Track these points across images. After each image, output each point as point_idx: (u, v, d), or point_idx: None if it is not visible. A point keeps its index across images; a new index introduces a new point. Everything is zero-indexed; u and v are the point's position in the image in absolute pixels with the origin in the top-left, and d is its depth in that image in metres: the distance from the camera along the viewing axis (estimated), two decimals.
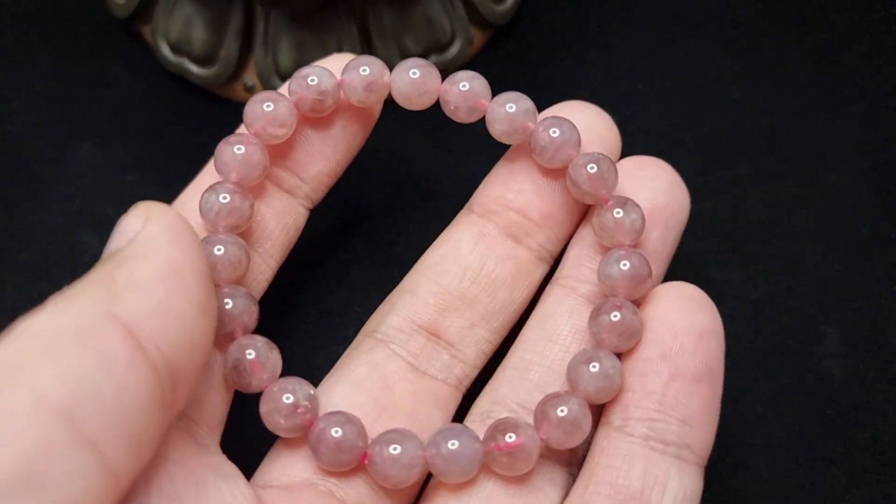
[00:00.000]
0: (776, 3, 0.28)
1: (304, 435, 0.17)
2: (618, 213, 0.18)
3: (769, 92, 0.26)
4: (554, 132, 0.18)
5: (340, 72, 0.19)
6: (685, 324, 0.17)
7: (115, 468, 0.13)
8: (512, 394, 0.18)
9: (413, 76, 0.19)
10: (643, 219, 0.18)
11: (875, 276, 0.23)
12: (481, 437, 0.17)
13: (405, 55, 0.24)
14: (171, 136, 0.25)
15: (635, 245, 0.18)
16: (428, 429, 0.18)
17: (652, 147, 0.25)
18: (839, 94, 0.26)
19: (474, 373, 0.19)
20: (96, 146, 0.25)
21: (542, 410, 0.17)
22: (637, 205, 0.18)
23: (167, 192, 0.24)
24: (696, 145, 0.25)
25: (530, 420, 0.17)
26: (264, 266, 0.19)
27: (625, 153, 0.25)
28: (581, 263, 0.19)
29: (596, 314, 0.18)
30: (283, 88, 0.19)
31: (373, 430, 0.17)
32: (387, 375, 0.18)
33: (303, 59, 0.24)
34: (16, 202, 0.24)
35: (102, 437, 0.12)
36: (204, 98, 0.26)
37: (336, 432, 0.16)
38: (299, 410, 0.17)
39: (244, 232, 0.18)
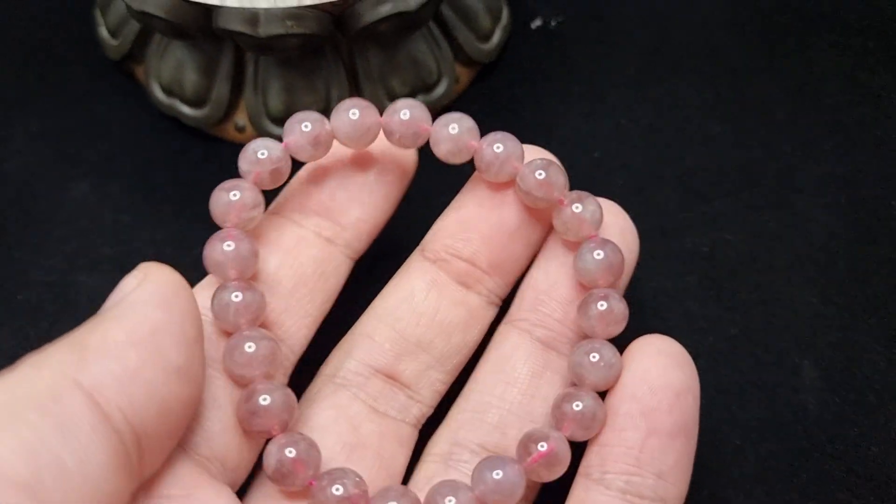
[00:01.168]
0: (755, 39, 0.28)
1: None
2: (576, 207, 0.19)
3: (748, 127, 0.27)
4: (498, 147, 0.19)
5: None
6: (663, 381, 0.17)
7: None
8: (472, 435, 0.19)
9: (353, 117, 0.19)
10: (601, 208, 0.19)
11: (850, 310, 0.24)
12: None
13: (392, 96, 0.25)
14: (166, 175, 0.26)
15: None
16: (393, 465, 0.19)
17: (633, 182, 0.26)
18: (817, 130, 0.27)
19: (430, 411, 0.20)
20: (92, 186, 0.26)
21: (559, 408, 0.18)
22: (593, 197, 0.19)
23: (162, 231, 0.25)
24: (676, 181, 0.26)
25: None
26: (303, 312, 0.19)
27: (606, 189, 0.26)
28: (536, 308, 0.20)
29: (584, 306, 0.19)
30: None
31: (347, 467, 0.18)
32: (351, 416, 0.19)
33: (292, 101, 0.24)
34: (12, 243, 0.25)
35: None
36: (197, 138, 0.26)
37: None
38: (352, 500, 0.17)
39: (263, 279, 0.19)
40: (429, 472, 0.19)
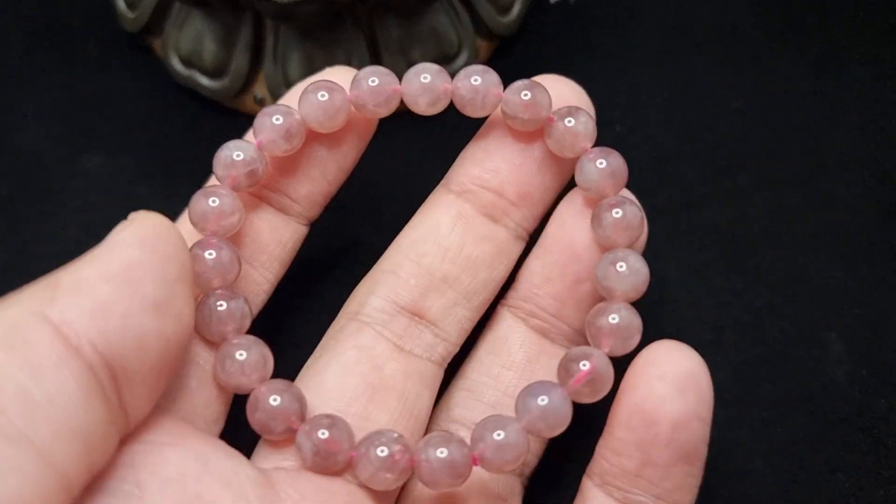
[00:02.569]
0: (777, 14, 0.28)
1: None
2: (569, 121, 0.19)
3: (770, 102, 0.27)
4: (525, 95, 0.19)
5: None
6: (660, 413, 0.16)
7: (62, 466, 0.13)
8: (468, 414, 0.19)
9: (424, 80, 0.19)
10: (593, 121, 0.19)
11: (876, 283, 0.24)
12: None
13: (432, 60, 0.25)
14: (182, 147, 0.26)
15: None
16: (417, 406, 0.19)
17: (654, 158, 0.26)
18: (839, 104, 0.26)
19: (456, 350, 0.20)
20: (107, 159, 0.25)
21: (594, 324, 0.17)
22: (583, 109, 0.19)
23: (177, 203, 0.25)
24: (697, 156, 0.26)
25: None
26: (262, 279, 0.19)
27: (628, 164, 0.26)
28: (529, 299, 0.20)
29: (597, 218, 0.18)
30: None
31: (366, 411, 0.18)
32: (375, 356, 0.19)
33: (312, 72, 0.24)
34: (27, 215, 0.24)
35: (37, 435, 0.13)
36: (214, 110, 0.26)
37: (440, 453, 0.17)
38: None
39: (237, 241, 0.19)
40: None
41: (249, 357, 0.17)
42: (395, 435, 0.17)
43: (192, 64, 0.25)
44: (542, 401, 0.16)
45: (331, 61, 0.24)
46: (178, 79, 0.25)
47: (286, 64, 0.24)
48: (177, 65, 0.25)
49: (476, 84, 0.19)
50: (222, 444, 0.16)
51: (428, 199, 0.20)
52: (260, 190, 0.19)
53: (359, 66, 0.24)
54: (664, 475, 0.17)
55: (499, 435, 0.16)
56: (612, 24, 0.28)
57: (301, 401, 0.17)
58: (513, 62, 0.27)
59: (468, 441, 0.17)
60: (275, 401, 0.17)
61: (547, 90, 0.19)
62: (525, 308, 0.20)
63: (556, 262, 0.19)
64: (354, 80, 0.19)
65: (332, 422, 0.17)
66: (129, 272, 0.14)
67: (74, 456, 0.13)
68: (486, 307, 0.20)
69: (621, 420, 0.17)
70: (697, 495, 0.21)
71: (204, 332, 0.17)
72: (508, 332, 0.20)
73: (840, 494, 0.21)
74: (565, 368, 0.17)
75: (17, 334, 0.13)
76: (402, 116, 0.26)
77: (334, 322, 0.20)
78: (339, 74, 0.19)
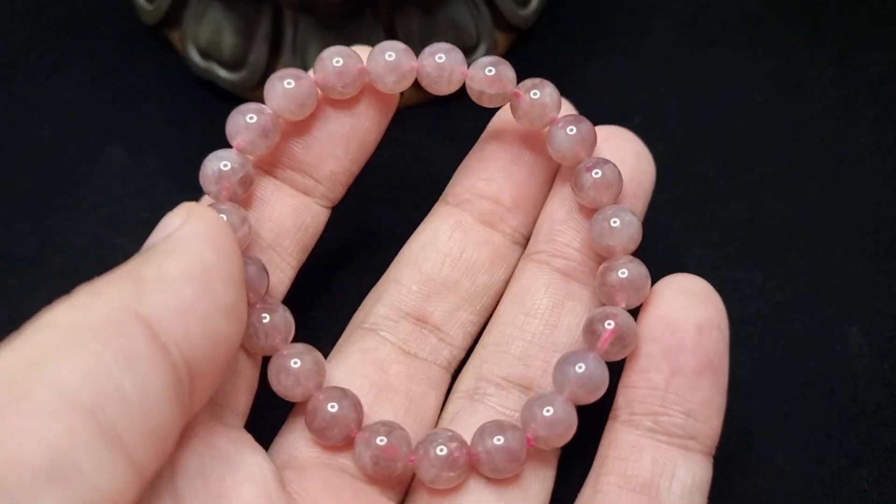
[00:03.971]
0: (796, 7, 0.28)
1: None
2: (534, 94, 0.19)
3: (789, 95, 0.26)
4: (490, 70, 0.19)
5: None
6: (684, 319, 0.17)
7: (139, 463, 0.13)
8: (496, 369, 0.19)
9: (389, 58, 0.18)
10: (557, 91, 0.19)
11: None
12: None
13: None
14: (201, 140, 0.26)
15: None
16: (423, 406, 0.19)
17: (673, 150, 0.26)
18: (859, 98, 0.26)
19: (461, 354, 0.20)
20: (127, 151, 0.25)
21: (605, 283, 0.18)
22: (547, 81, 0.19)
23: (196, 196, 0.25)
24: (717, 149, 0.26)
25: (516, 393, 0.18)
26: (285, 265, 0.19)
27: None
28: (553, 238, 0.19)
29: (577, 180, 0.19)
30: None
31: (371, 410, 0.18)
32: (380, 359, 0.19)
33: None
34: (49, 208, 0.25)
35: (126, 432, 0.13)
36: (233, 102, 0.26)
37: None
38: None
39: (260, 224, 0.19)
40: (455, 409, 0.19)
41: (303, 365, 0.17)
42: (449, 433, 0.17)
43: (211, 56, 0.25)
44: (580, 368, 0.17)
45: None
46: (196, 71, 0.25)
47: (305, 56, 0.24)
48: (195, 57, 0.25)
49: (441, 62, 0.19)
50: (249, 439, 0.17)
51: (428, 215, 0.21)
52: (283, 171, 0.19)
53: None
54: (693, 385, 0.17)
55: (548, 412, 0.17)
56: (631, 17, 0.28)
57: (358, 408, 0.17)
58: (531, 55, 0.27)
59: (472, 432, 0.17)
60: (332, 408, 0.17)
61: (510, 66, 0.19)
62: (548, 250, 0.19)
63: (576, 202, 0.19)
64: (318, 63, 0.18)
65: (390, 428, 0.17)
66: (206, 272, 0.14)
67: (153, 454, 0.13)
68: (490, 311, 0.20)
69: (649, 332, 0.17)
70: (717, 490, 0.21)
71: (253, 347, 0.17)
72: (531, 280, 0.19)
73: (861, 488, 0.21)
74: (590, 332, 0.17)
75: (112, 328, 0.13)
76: (422, 106, 0.26)
77: (343, 335, 0.20)
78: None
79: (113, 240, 0.24)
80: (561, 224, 0.19)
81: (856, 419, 0.22)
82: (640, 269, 0.18)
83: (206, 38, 0.25)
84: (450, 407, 0.19)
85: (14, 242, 0.24)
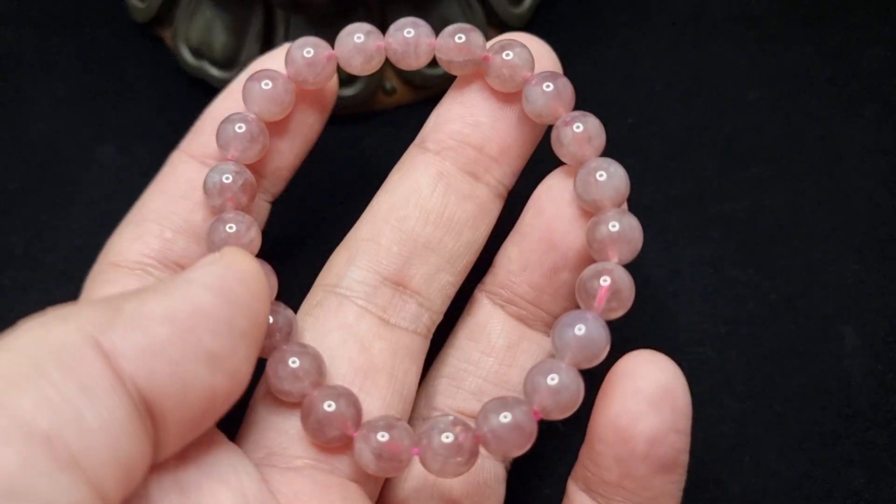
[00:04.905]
0: (794, 3, 0.28)
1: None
2: (507, 55, 0.18)
3: (787, 93, 0.26)
4: (459, 38, 0.18)
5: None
6: (634, 429, 0.16)
7: (103, 489, 0.13)
8: (449, 401, 0.19)
9: (357, 41, 0.18)
10: (529, 51, 0.18)
11: (892, 276, 0.23)
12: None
13: None
14: None
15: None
16: (406, 384, 0.18)
17: (670, 147, 0.26)
18: (857, 95, 0.26)
19: (440, 318, 0.19)
20: (119, 150, 0.25)
21: (597, 239, 0.17)
22: (518, 41, 0.19)
23: None
24: (714, 146, 0.25)
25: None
26: None
27: (642, 154, 0.26)
28: (509, 288, 0.19)
29: (556, 137, 0.18)
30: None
31: (359, 397, 0.17)
32: (362, 336, 0.18)
33: None
34: (40, 206, 0.25)
35: (87, 460, 0.12)
36: None
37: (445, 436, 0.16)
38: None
39: None
40: None
41: (303, 364, 0.17)
42: (451, 417, 0.16)
43: (203, 54, 0.25)
44: (580, 330, 0.16)
45: None
46: (187, 69, 0.25)
47: None
48: (187, 55, 0.25)
49: (408, 36, 0.18)
50: (222, 438, 0.16)
51: (402, 162, 0.19)
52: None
53: None
54: (644, 486, 0.16)
55: (552, 379, 0.16)
56: (626, 14, 0.28)
57: (356, 406, 0.17)
58: None
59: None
60: (329, 406, 0.17)
61: (481, 32, 0.19)
62: (503, 295, 0.19)
63: (534, 250, 0.19)
64: (289, 57, 0.18)
65: (389, 423, 0.17)
66: (193, 318, 0.14)
67: (117, 484, 0.13)
68: (468, 271, 0.19)
69: (599, 434, 0.16)
70: (711, 490, 0.21)
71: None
72: (487, 318, 0.19)
73: (855, 489, 0.21)
74: (585, 291, 0.17)
75: (71, 356, 0.13)
76: (415, 105, 0.26)
77: (309, 295, 0.19)
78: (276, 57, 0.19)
79: (105, 238, 0.24)
80: (515, 276, 0.19)
81: (850, 419, 0.22)
82: (632, 222, 0.17)
83: (197, 37, 0.25)
84: None
85: (6, 241, 0.24)
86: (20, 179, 0.25)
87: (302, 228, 0.24)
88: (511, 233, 0.19)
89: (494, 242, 0.20)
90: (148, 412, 0.14)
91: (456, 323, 0.20)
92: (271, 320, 0.17)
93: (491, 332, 0.19)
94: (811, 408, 0.22)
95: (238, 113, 0.18)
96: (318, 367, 0.17)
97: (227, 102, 0.19)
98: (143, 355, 0.13)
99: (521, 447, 0.16)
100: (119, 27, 0.27)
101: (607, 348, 0.16)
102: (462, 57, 0.18)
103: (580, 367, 0.16)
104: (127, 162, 0.25)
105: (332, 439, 0.17)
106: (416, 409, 0.19)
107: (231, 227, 0.17)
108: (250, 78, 0.18)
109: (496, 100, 0.19)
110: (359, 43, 0.18)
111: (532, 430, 0.16)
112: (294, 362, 0.17)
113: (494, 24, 0.26)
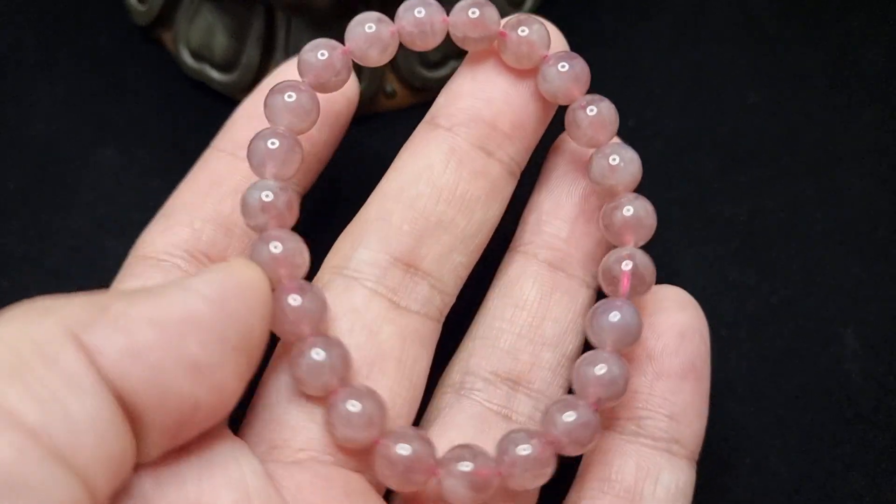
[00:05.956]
0: (793, 6, 0.28)
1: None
2: (522, 31, 0.18)
3: (786, 95, 0.26)
4: (473, 13, 0.18)
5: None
6: (666, 324, 0.17)
7: (95, 488, 0.13)
8: (484, 363, 0.18)
9: (369, 30, 0.18)
10: (545, 27, 0.18)
11: (892, 278, 0.23)
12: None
13: (424, 59, 0.25)
14: (193, 141, 0.25)
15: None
16: (415, 372, 0.18)
17: (669, 149, 0.26)
18: (856, 97, 0.26)
19: (452, 301, 0.19)
20: (119, 152, 0.25)
21: (613, 224, 0.18)
22: (534, 17, 0.18)
23: None
24: (713, 148, 0.25)
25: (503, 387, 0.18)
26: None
27: (642, 156, 0.26)
28: (540, 229, 0.19)
29: (571, 118, 0.18)
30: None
31: (366, 384, 0.17)
32: (370, 322, 0.17)
33: None
34: (39, 208, 0.24)
35: (77, 455, 0.12)
36: (225, 104, 0.26)
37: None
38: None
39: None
40: (441, 404, 0.18)
41: (329, 359, 0.16)
42: (521, 433, 0.16)
43: (203, 57, 0.25)
44: (615, 317, 0.17)
45: None
46: (188, 72, 0.25)
47: None
48: (187, 58, 0.25)
49: (420, 16, 0.18)
50: (225, 433, 0.16)
51: (412, 140, 0.19)
52: None
53: None
54: (676, 389, 0.17)
55: (601, 369, 0.16)
56: (627, 15, 0.28)
57: (429, 441, 0.16)
58: None
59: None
60: (404, 450, 0.16)
61: (495, 7, 0.18)
62: (535, 241, 0.19)
63: (567, 187, 0.19)
64: (303, 63, 0.18)
65: (472, 452, 0.16)
66: (182, 325, 0.14)
67: (106, 479, 0.13)
68: (481, 252, 0.19)
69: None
70: (711, 492, 0.21)
71: (279, 332, 0.17)
72: (519, 272, 0.19)
73: (855, 492, 0.21)
74: (609, 277, 0.17)
75: (50, 349, 0.13)
76: (416, 107, 0.26)
77: (315, 278, 0.18)
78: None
79: (104, 240, 0.24)
80: (547, 214, 0.19)
81: (850, 422, 0.22)
82: (646, 205, 0.18)
83: (198, 39, 0.25)
84: (435, 402, 0.19)
85: (5, 242, 0.24)
86: (20, 180, 0.25)
87: (302, 229, 0.24)
88: (536, 185, 0.20)
89: (510, 228, 0.20)
90: (129, 416, 0.14)
91: (488, 288, 0.20)
92: (299, 301, 0.16)
93: (523, 285, 0.19)
94: (812, 410, 0.22)
95: (270, 129, 0.18)
96: (344, 363, 0.16)
97: (259, 98, 0.19)
98: (123, 356, 0.13)
99: (592, 440, 0.16)
100: (119, 29, 0.27)
101: (641, 330, 0.17)
102: (478, 33, 0.18)
103: (621, 353, 0.17)
104: (127, 164, 0.25)
105: (418, 482, 0.16)
106: (450, 374, 0.19)
107: (276, 247, 0.16)
108: (271, 92, 0.18)
109: (509, 76, 0.19)
110: (371, 33, 0.18)
111: (598, 423, 0.16)
112: (318, 354, 0.16)
113: None
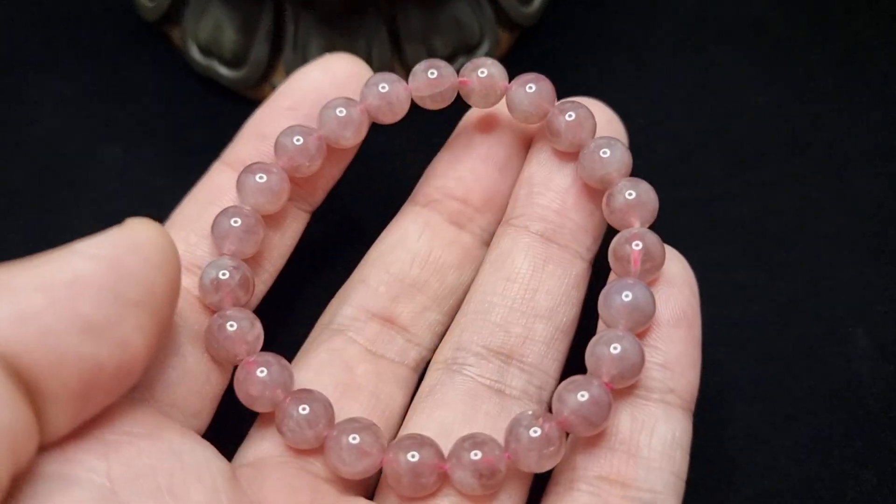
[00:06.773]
0: (800, 8, 0.28)
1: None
2: (530, 88, 0.19)
3: (793, 97, 0.26)
4: (432, 73, 0.19)
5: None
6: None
7: None
8: (476, 337, 0.18)
9: (382, 90, 0.19)
10: (549, 84, 0.19)
11: None
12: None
13: (434, 56, 0.25)
14: (200, 138, 0.25)
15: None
16: (390, 405, 0.18)
17: (677, 150, 0.26)
18: (863, 99, 0.26)
19: (429, 355, 0.19)
20: (125, 149, 0.25)
21: (616, 208, 0.18)
22: (536, 74, 0.19)
23: None
24: (721, 150, 0.25)
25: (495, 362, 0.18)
26: (261, 270, 0.19)
27: (650, 158, 0.26)
28: (532, 201, 0.19)
29: (553, 118, 0.19)
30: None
31: (337, 408, 0.17)
32: (347, 359, 0.19)
33: None
34: (46, 205, 0.24)
35: None
36: (233, 100, 0.26)
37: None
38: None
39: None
40: (433, 381, 0.18)
41: (270, 375, 0.17)
42: (529, 412, 0.16)
43: (211, 53, 0.25)
44: (627, 297, 0.17)
45: (351, 50, 0.24)
46: (196, 68, 0.25)
47: (306, 53, 0.24)
48: (195, 54, 0.25)
49: (384, 91, 0.19)
50: (194, 436, 0.16)
51: (397, 215, 0.21)
52: None
53: (380, 56, 0.24)
54: (668, 336, 0.17)
55: (615, 349, 0.16)
56: (635, 16, 0.28)
57: (434, 444, 0.17)
58: (534, 53, 0.27)
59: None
60: (304, 410, 0.17)
61: (448, 64, 0.19)
62: (527, 214, 0.19)
63: (557, 162, 0.20)
64: (279, 146, 0.19)
65: (478, 441, 0.16)
66: (71, 286, 0.13)
67: (2, 460, 0.12)
68: (457, 311, 0.20)
69: None
70: (721, 492, 0.21)
71: (217, 356, 0.17)
72: (511, 244, 0.19)
73: (865, 492, 0.21)
74: (618, 257, 0.17)
75: None
76: (406, 112, 0.25)
77: (310, 335, 0.20)
78: (342, 62, 0.20)
79: None
80: (539, 186, 0.19)
81: (861, 422, 0.22)
82: (645, 186, 0.18)
83: (206, 36, 0.25)
84: (427, 380, 0.19)
85: (10, 240, 0.24)
86: (25, 178, 0.25)
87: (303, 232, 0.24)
88: (526, 161, 0.20)
89: None
90: (24, 384, 0.13)
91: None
92: (234, 328, 0.17)
93: (515, 257, 0.19)
94: (821, 410, 0.22)
95: (234, 206, 0.18)
96: (286, 375, 0.17)
97: (271, 110, 0.19)
98: (12, 324, 0.13)
99: (604, 420, 0.16)
100: (127, 25, 0.27)
101: (655, 309, 0.17)
102: (437, 89, 0.19)
103: (635, 332, 0.17)
104: (133, 161, 0.25)
105: (428, 485, 0.16)
106: (443, 350, 0.19)
107: (232, 325, 0.17)
108: (244, 170, 0.18)
109: (481, 155, 0.20)
110: (342, 117, 0.19)
111: (610, 402, 0.16)
112: (262, 372, 0.17)
113: (504, 24, 0.26)
